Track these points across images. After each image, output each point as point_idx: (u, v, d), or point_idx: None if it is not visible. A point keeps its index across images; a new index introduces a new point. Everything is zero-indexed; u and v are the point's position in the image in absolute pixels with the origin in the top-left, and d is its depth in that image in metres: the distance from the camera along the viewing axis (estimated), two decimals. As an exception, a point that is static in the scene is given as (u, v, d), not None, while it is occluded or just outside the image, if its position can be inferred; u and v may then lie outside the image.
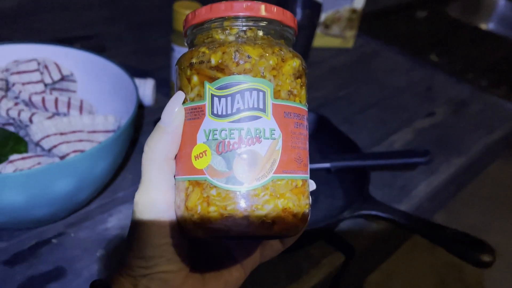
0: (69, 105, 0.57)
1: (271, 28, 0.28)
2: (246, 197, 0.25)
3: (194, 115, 0.26)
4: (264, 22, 0.27)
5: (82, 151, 0.52)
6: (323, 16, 1.04)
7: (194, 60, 0.26)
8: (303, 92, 0.28)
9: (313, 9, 0.86)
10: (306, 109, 0.29)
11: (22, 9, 1.07)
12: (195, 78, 0.26)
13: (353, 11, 1.04)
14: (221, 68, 0.25)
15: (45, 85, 0.60)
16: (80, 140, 0.53)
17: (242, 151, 0.25)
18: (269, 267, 0.55)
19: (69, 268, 0.51)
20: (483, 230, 1.68)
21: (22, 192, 0.43)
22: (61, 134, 0.52)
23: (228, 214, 0.25)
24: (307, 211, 0.28)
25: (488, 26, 1.61)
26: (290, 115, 0.27)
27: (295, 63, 0.27)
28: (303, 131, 0.28)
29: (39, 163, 0.52)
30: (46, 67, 0.60)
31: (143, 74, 0.87)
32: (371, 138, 0.80)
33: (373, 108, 0.90)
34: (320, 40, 1.08)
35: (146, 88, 0.75)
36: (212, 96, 0.25)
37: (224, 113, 0.25)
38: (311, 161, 0.64)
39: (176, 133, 0.26)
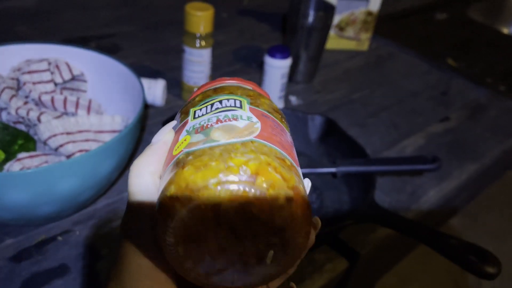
0: (77, 105, 0.58)
1: None
2: (223, 149, 0.22)
3: (180, 128, 0.27)
4: None
5: (87, 150, 0.53)
6: (338, 18, 1.03)
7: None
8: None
9: (326, 11, 0.86)
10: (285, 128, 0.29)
11: (42, 8, 1.09)
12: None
13: (369, 13, 1.03)
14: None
15: (56, 84, 0.61)
16: (87, 140, 0.54)
17: (219, 125, 0.24)
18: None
19: (73, 266, 0.52)
20: (500, 236, 1.64)
21: (26, 191, 0.44)
22: (68, 133, 0.52)
23: (204, 165, 0.21)
24: (301, 187, 0.23)
25: (510, 30, 1.57)
26: (268, 117, 0.27)
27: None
28: (285, 136, 0.27)
29: (46, 162, 0.53)
30: (57, 67, 0.61)
31: (155, 74, 0.88)
32: (382, 142, 0.79)
33: (386, 112, 0.89)
34: (335, 42, 1.07)
35: (157, 88, 0.76)
36: (195, 111, 0.27)
37: (204, 112, 0.26)
38: (317, 165, 0.64)
39: (161, 149, 0.26)
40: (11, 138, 0.54)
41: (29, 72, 0.58)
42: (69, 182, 0.46)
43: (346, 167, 0.61)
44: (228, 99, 0.27)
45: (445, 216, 0.79)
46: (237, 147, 0.22)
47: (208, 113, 0.26)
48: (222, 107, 0.26)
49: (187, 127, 0.26)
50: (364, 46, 1.10)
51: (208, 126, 0.24)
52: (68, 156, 0.52)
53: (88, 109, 0.59)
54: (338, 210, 0.62)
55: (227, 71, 0.95)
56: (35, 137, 0.56)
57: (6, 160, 0.53)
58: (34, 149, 0.55)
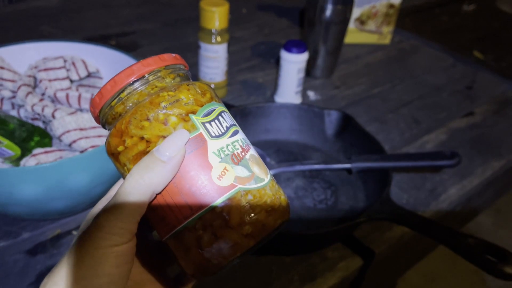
0: (91, 101, 0.59)
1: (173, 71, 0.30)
2: (272, 189, 0.29)
3: (195, 146, 0.27)
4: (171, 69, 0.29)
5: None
6: (358, 11, 1.01)
7: (164, 103, 0.27)
8: None
9: (345, 5, 0.84)
10: None
11: (66, 7, 1.12)
12: (173, 118, 0.27)
13: (391, 5, 1.00)
14: (195, 101, 0.28)
15: (72, 81, 0.62)
16: (99, 136, 0.54)
17: (248, 156, 0.28)
18: (282, 267, 0.54)
19: (87, 259, 0.52)
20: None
21: (39, 185, 0.45)
22: (81, 129, 0.53)
23: (271, 208, 0.28)
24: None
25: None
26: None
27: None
28: None
29: (60, 157, 0.54)
30: (73, 64, 0.62)
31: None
32: (402, 139, 0.77)
33: (407, 107, 0.86)
34: (355, 36, 1.05)
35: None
36: (203, 123, 0.27)
37: (220, 133, 0.28)
38: (332, 161, 0.63)
39: (175, 169, 0.26)
40: (27, 135, 0.55)
41: (45, 70, 0.59)
42: (81, 177, 0.47)
43: (361, 163, 0.59)
44: (223, 112, 0.29)
45: (467, 214, 0.77)
46: (274, 184, 0.30)
47: (224, 134, 0.28)
48: (229, 125, 0.29)
49: (212, 149, 0.27)
50: (386, 40, 1.07)
51: (241, 156, 0.28)
52: (82, 152, 0.53)
53: (102, 106, 0.59)
54: (353, 207, 0.61)
55: (245, 67, 0.94)
56: (51, 133, 0.57)
57: (23, 155, 0.54)
58: (50, 145, 0.56)
